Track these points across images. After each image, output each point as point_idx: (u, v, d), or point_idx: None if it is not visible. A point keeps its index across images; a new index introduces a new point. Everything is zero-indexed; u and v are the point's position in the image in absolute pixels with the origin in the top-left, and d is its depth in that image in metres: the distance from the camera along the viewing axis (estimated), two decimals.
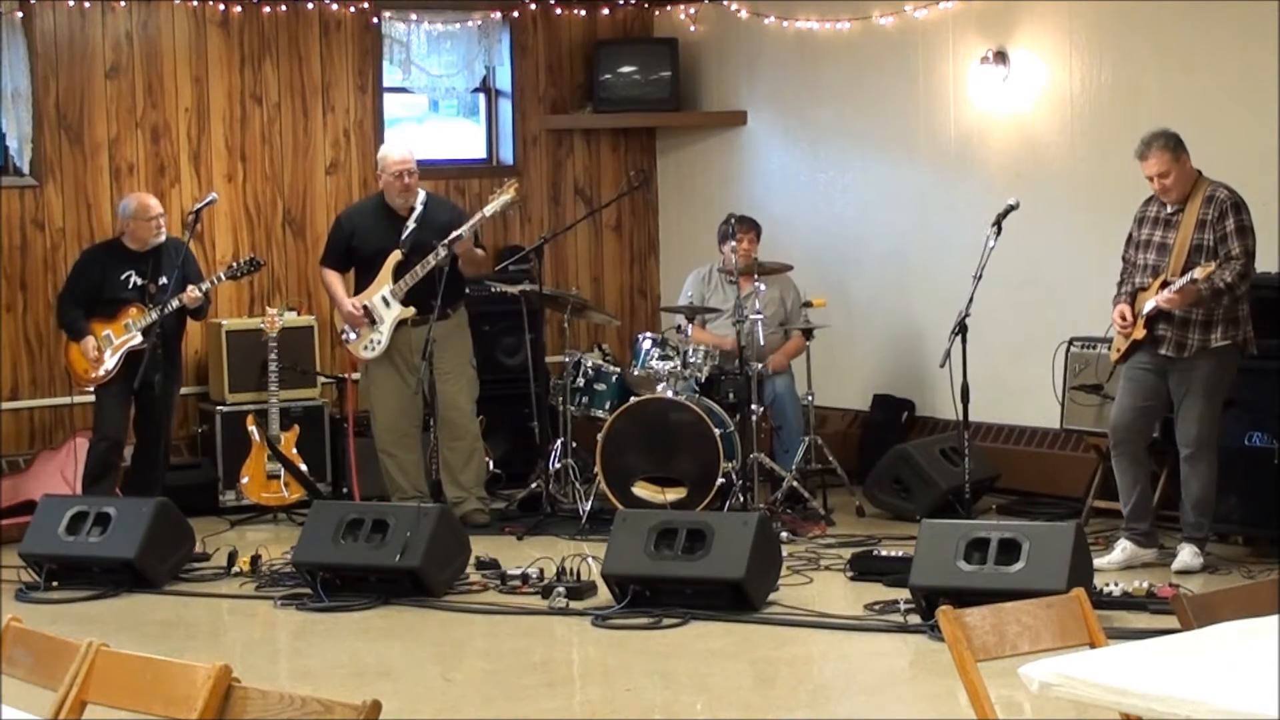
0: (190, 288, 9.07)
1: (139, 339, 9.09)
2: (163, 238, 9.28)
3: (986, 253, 8.46)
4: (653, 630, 7.17)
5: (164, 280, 9.18)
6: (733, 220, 9.57)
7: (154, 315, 9.08)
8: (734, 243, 9.61)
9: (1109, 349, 8.25)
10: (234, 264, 9.54)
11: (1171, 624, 4.49)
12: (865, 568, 7.96)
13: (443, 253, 9.11)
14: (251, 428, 9.93)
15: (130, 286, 9.23)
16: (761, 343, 9.36)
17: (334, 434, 10.26)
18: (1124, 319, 7.94)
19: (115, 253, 9.34)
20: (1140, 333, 7.89)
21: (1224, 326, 7.79)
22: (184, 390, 10.10)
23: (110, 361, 9.13)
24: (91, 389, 9.35)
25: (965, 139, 10.11)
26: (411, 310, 9.31)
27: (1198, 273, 7.61)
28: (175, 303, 9.05)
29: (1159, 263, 7.90)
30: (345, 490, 9.98)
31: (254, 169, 10.68)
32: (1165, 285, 7.79)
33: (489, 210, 9.31)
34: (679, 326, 9.78)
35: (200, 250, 10.42)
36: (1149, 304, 7.83)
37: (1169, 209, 7.90)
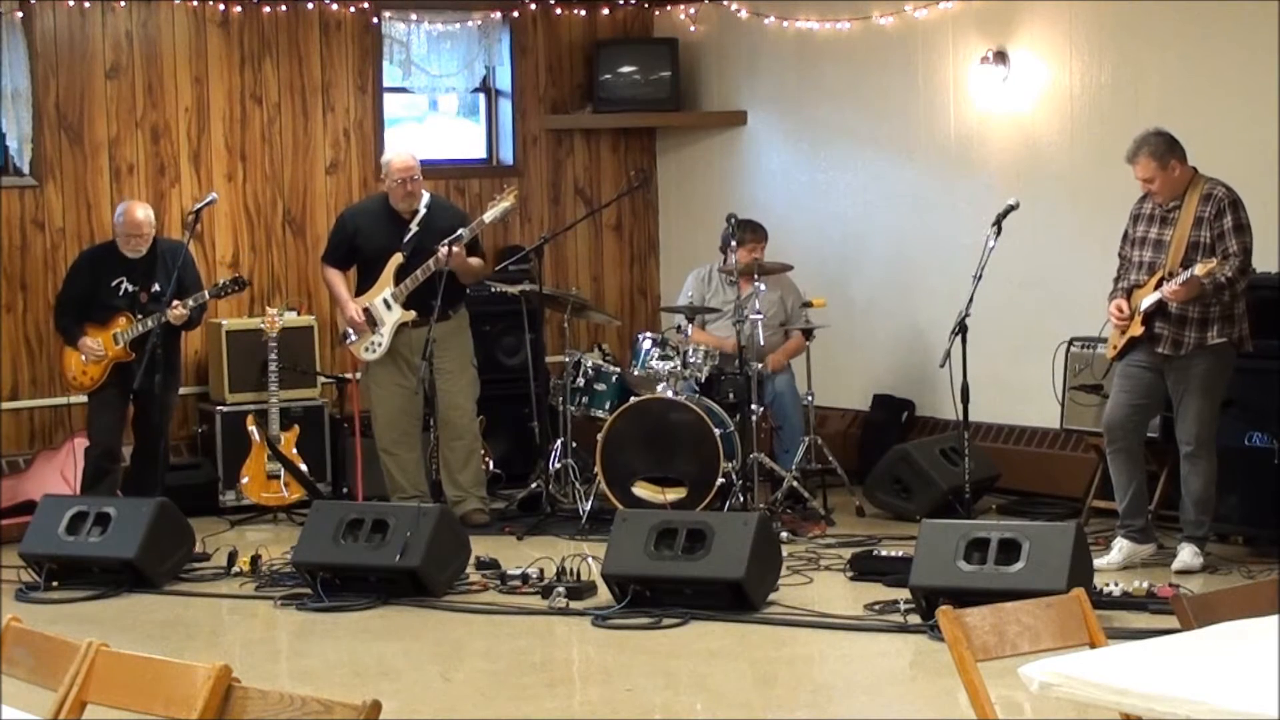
0: (176, 304, 8.96)
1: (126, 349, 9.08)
2: (143, 252, 9.15)
3: (986, 253, 8.47)
4: (653, 630, 7.17)
5: (156, 288, 9.13)
6: (733, 220, 9.54)
7: (140, 328, 9.02)
8: (735, 244, 9.57)
9: (1107, 348, 8.25)
10: (219, 283, 9.42)
11: (1171, 624, 4.49)
12: (865, 568, 7.96)
13: (441, 256, 9.10)
14: (251, 428, 9.93)
15: (121, 294, 9.17)
16: (761, 343, 9.36)
17: (334, 434, 10.26)
18: (1121, 311, 7.94)
19: (108, 257, 9.27)
20: (1138, 329, 7.89)
21: (1220, 324, 7.80)
22: (184, 390, 10.08)
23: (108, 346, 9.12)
24: (85, 393, 9.33)
25: (965, 139, 10.11)
26: (412, 314, 9.31)
27: (1198, 269, 7.61)
28: (162, 317, 8.96)
29: (1155, 259, 7.90)
30: (345, 490, 9.98)
31: (254, 169, 10.68)
32: (1162, 281, 7.79)
33: (489, 217, 9.30)
34: (679, 326, 9.78)
35: (200, 250, 10.43)
36: (1148, 299, 7.83)
37: (1165, 205, 7.90)
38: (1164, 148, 7.80)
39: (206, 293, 9.24)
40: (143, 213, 9.23)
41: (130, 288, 9.19)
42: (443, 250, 9.08)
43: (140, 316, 9.10)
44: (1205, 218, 7.76)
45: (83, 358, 9.17)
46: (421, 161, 9.61)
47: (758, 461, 9.05)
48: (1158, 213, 7.94)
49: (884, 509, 9.49)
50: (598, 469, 9.21)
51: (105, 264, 9.25)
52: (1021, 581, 6.68)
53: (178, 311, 8.96)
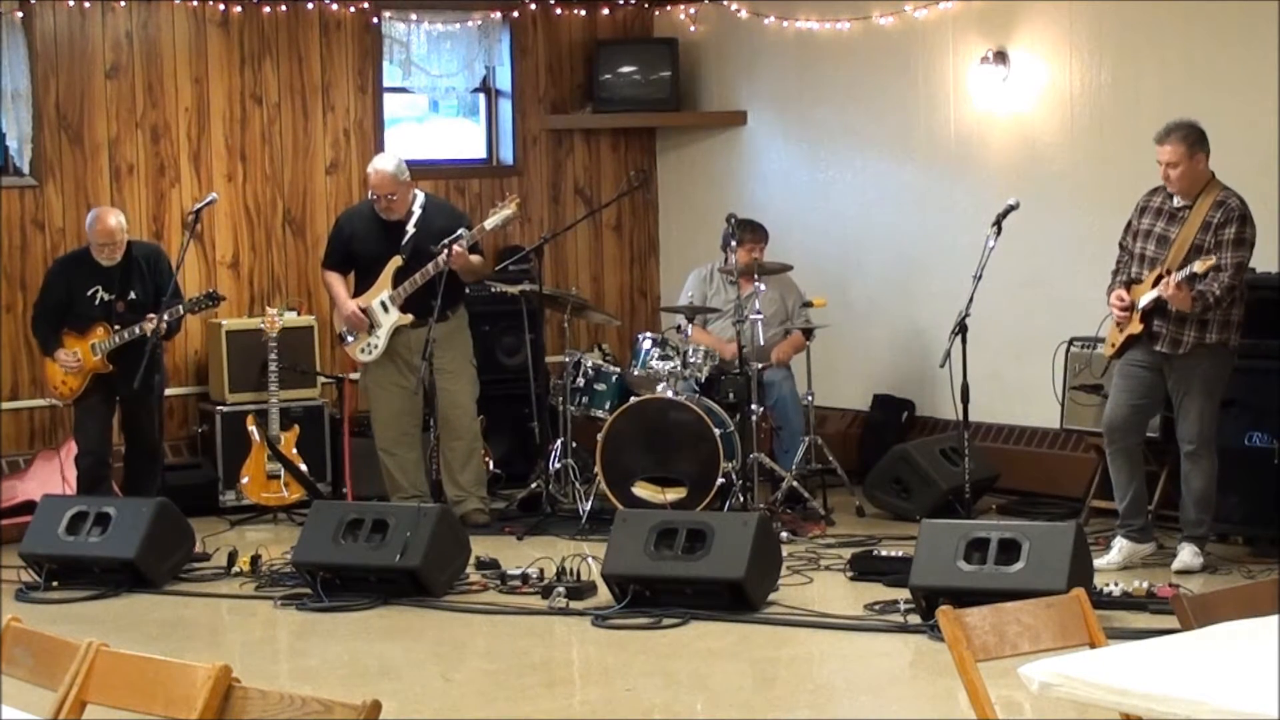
0: (151, 317, 8.88)
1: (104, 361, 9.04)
2: (118, 259, 9.05)
3: (986, 253, 8.46)
4: (653, 630, 7.17)
5: (133, 295, 9.08)
6: (733, 220, 9.54)
7: (117, 340, 8.96)
8: (735, 244, 9.56)
9: (1105, 345, 8.24)
10: (194, 297, 9.25)
11: (1171, 624, 4.49)
12: (865, 568, 7.96)
13: (442, 259, 9.08)
14: (251, 428, 9.93)
15: (97, 302, 9.06)
16: (761, 343, 9.36)
17: (334, 434, 10.26)
18: (1122, 300, 7.93)
19: (82, 265, 9.14)
20: (1136, 327, 7.89)
21: (1219, 327, 7.79)
22: (184, 390, 10.06)
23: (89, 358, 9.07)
24: (66, 404, 9.27)
25: (965, 139, 10.11)
26: (409, 317, 9.30)
27: (1197, 266, 7.60)
28: (137, 330, 8.91)
29: (1157, 255, 7.88)
30: (344, 490, 9.98)
31: (254, 169, 10.68)
32: (1160, 279, 7.77)
33: (490, 224, 9.27)
34: (679, 326, 9.78)
35: (200, 250, 10.43)
36: (1146, 297, 7.83)
37: (1175, 203, 7.88)
38: (1195, 137, 7.78)
39: (181, 306, 9.07)
40: (114, 220, 9.08)
41: (106, 296, 9.07)
42: (442, 256, 9.03)
43: (118, 327, 9.01)
44: (1213, 223, 7.74)
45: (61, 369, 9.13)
46: (422, 161, 9.58)
47: (758, 461, 9.05)
48: (1166, 207, 7.92)
49: (884, 509, 9.49)
50: (598, 469, 9.21)
51: (79, 272, 9.12)
52: (1021, 581, 6.68)
53: (150, 325, 8.87)
